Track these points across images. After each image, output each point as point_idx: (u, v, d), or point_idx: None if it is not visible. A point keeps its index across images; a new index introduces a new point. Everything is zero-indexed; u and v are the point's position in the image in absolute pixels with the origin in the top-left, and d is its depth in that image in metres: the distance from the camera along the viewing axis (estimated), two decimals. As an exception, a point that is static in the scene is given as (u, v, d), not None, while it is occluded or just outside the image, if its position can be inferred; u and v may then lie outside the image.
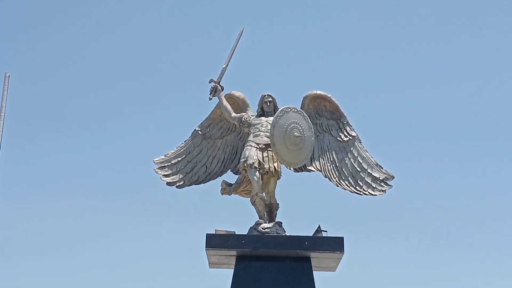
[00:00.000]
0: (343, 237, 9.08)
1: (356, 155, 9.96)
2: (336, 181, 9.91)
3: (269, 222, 9.35)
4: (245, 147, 9.39)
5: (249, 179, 9.31)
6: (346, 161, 9.97)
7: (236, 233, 9.30)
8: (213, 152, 10.28)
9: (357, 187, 9.86)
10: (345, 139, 9.97)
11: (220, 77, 9.73)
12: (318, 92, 9.93)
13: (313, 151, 9.80)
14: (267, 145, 9.19)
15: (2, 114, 10.16)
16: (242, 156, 9.40)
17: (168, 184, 9.87)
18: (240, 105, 9.99)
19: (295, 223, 9.99)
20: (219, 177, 10.21)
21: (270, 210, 9.57)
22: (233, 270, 9.17)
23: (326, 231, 9.34)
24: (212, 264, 9.60)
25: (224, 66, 9.76)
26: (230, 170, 10.23)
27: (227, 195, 9.95)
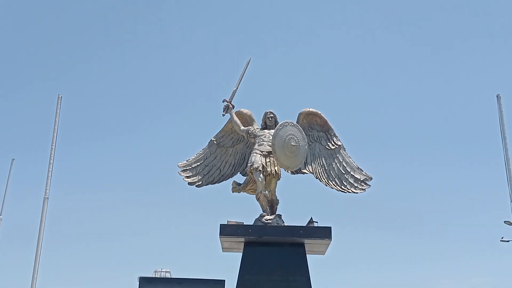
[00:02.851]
0: (330, 227, 10.38)
1: (341, 160, 11.33)
2: (325, 181, 11.28)
3: (270, 215, 10.68)
4: (252, 154, 10.74)
5: (255, 180, 10.58)
6: (333, 165, 11.34)
7: (244, 224, 10.65)
8: (225, 158, 11.69)
9: (342, 186, 11.20)
10: (332, 147, 11.35)
11: (231, 98, 11.24)
12: (311, 109, 11.41)
13: (306, 157, 11.17)
14: (269, 152, 10.53)
15: (56, 128, 12.22)
16: (249, 161, 10.73)
17: (190, 184, 11.32)
18: (247, 120, 11.41)
19: (292, 215, 11.21)
20: (230, 178, 11.58)
21: (271, 205, 10.93)
22: (241, 253, 10.55)
23: (317, 222, 10.76)
24: (224, 249, 10.96)
25: (234, 89, 11.24)
26: (239, 172, 11.61)
27: (237, 193, 11.28)
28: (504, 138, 12.75)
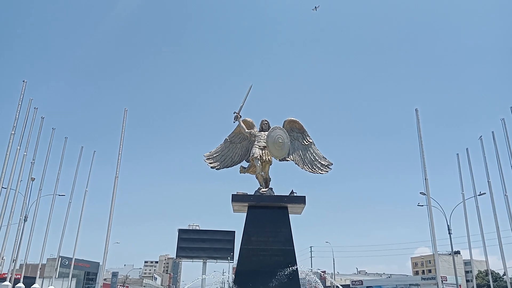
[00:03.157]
0: (305, 196, 13.48)
1: (312, 152, 14.67)
2: (301, 166, 14.62)
3: (265, 188, 13.86)
4: (253, 148, 14.05)
5: (255, 165, 13.82)
6: (307, 155, 14.68)
7: (248, 194, 13.62)
8: (235, 150, 14.86)
9: (313, 169, 14.54)
10: (306, 143, 14.77)
11: (239, 110, 14.34)
12: (292, 118, 14.76)
13: (289, 150, 14.34)
14: (264, 147, 13.89)
15: (122, 138, 16.06)
16: (251, 153, 13.97)
17: (211, 167, 14.57)
18: (250, 125, 14.71)
19: (279, 188, 14.17)
20: (239, 163, 14.69)
21: (266, 182, 14.13)
22: (246, 213, 13.42)
23: (296, 193, 13.62)
24: (235, 210, 14.00)
25: (241, 105, 14.32)
26: (244, 160, 14.72)
27: (243, 174, 14.38)
28: (420, 138, 16.65)
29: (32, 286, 20.56)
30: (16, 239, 20.21)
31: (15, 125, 16.86)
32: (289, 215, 13.50)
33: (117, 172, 17.83)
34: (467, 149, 24.71)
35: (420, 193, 23.37)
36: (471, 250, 24.91)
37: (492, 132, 22.07)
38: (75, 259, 24.98)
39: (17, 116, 17.14)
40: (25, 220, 22.74)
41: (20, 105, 17.32)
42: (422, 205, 32.12)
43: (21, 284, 19.04)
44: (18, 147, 17.29)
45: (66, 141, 23.48)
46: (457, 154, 25.49)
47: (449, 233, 37.33)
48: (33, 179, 21.55)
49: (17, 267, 21.90)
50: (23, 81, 17.82)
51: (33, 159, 20.08)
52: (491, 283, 25.27)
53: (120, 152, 17.93)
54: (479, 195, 23.98)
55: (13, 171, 16.91)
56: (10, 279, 19.20)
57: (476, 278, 35.97)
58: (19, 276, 21.06)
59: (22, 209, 20.72)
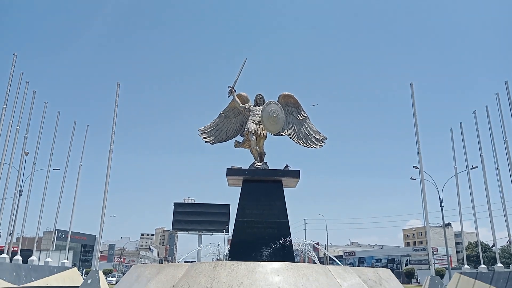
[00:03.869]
0: (299, 170, 13.51)
1: (306, 126, 14.64)
2: (296, 140, 14.62)
3: (260, 162, 13.90)
4: (247, 122, 13.97)
5: (250, 139, 13.81)
6: (301, 130, 14.66)
7: (242, 168, 13.61)
8: (230, 125, 14.82)
9: (307, 144, 14.56)
10: (301, 118, 14.71)
11: (234, 84, 14.22)
12: (287, 92, 14.67)
13: (284, 124, 14.30)
14: (259, 121, 13.83)
15: (115, 112, 15.98)
16: (246, 127, 13.91)
17: (206, 142, 14.56)
18: (244, 100, 14.63)
19: (274, 162, 14.19)
20: (234, 138, 14.67)
21: (260, 156, 14.14)
22: (241, 187, 13.49)
23: (290, 167, 13.64)
24: (230, 184, 14.06)
25: (235, 79, 14.19)
26: (239, 134, 14.68)
27: (238, 148, 14.36)
28: (414, 112, 16.76)
29: (30, 259, 20.84)
30: (11, 213, 20.36)
31: (6, 99, 16.75)
32: (284, 188, 13.62)
33: (111, 146, 17.79)
34: (460, 123, 24.88)
35: (413, 167, 23.67)
36: (462, 222, 25.43)
37: (486, 106, 22.19)
38: (71, 232, 25.24)
39: (8, 90, 16.97)
40: (20, 194, 22.83)
41: (11, 79, 17.12)
42: (415, 179, 32.71)
43: (18, 257, 19.31)
44: (11, 121, 17.18)
45: (59, 115, 23.35)
46: (451, 128, 25.67)
47: (441, 206, 38.06)
48: (26, 153, 21.51)
49: (14, 240, 22.13)
50: (14, 54, 17.53)
51: (26, 133, 19.98)
52: (480, 253, 25.91)
53: (114, 126, 17.86)
54: (471, 168, 24.31)
55: (6, 145, 16.85)
56: (7, 251, 19.42)
57: (466, 249, 36.89)
58: (16, 249, 21.33)
59: (16, 183, 20.77)
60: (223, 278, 7.93)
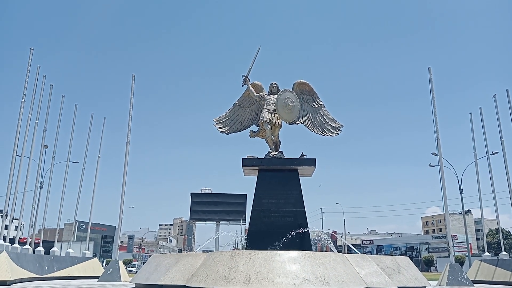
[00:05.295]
0: (315, 159, 13.54)
1: (322, 114, 14.56)
2: (311, 129, 14.57)
3: (275, 151, 13.94)
4: (262, 111, 14.02)
5: (265, 129, 13.86)
6: (317, 118, 14.57)
7: (258, 157, 13.66)
8: (245, 114, 14.83)
9: (323, 132, 14.48)
10: (316, 106, 14.63)
11: (248, 73, 14.23)
12: (302, 80, 14.55)
13: (299, 113, 14.25)
14: (274, 110, 13.83)
15: (131, 104, 16.05)
16: (260, 117, 13.96)
17: (221, 132, 14.59)
18: (259, 89, 14.61)
19: (289, 151, 14.27)
20: (249, 128, 14.71)
21: (276, 145, 14.15)
22: (256, 177, 13.61)
23: (306, 155, 13.69)
24: (246, 174, 14.16)
25: (249, 68, 14.19)
26: (254, 124, 14.69)
27: (253, 138, 14.40)
28: (433, 97, 16.41)
29: (51, 249, 21.33)
30: (33, 205, 20.79)
31: (24, 93, 16.92)
32: (300, 177, 13.61)
33: (128, 138, 17.96)
34: (480, 108, 24.29)
35: (432, 153, 23.28)
36: (482, 209, 24.99)
37: (507, 90, 21.59)
38: (91, 223, 25.68)
39: (26, 84, 17.16)
40: (41, 187, 23.28)
41: (28, 73, 17.29)
42: (434, 166, 32.30)
43: (40, 248, 19.76)
44: (29, 115, 17.41)
45: (76, 108, 23.64)
46: (470, 113, 25.10)
47: (461, 192, 37.49)
48: (46, 147, 21.86)
49: (36, 232, 22.62)
50: (30, 48, 17.73)
51: (44, 127, 20.26)
52: (501, 240, 25.42)
53: (130, 118, 18.02)
54: (491, 154, 23.76)
55: (25, 139, 17.13)
56: (30, 243, 19.89)
57: (486, 236, 36.36)
58: (38, 240, 21.82)
59: (37, 176, 21.17)
60: (241, 267, 7.98)
